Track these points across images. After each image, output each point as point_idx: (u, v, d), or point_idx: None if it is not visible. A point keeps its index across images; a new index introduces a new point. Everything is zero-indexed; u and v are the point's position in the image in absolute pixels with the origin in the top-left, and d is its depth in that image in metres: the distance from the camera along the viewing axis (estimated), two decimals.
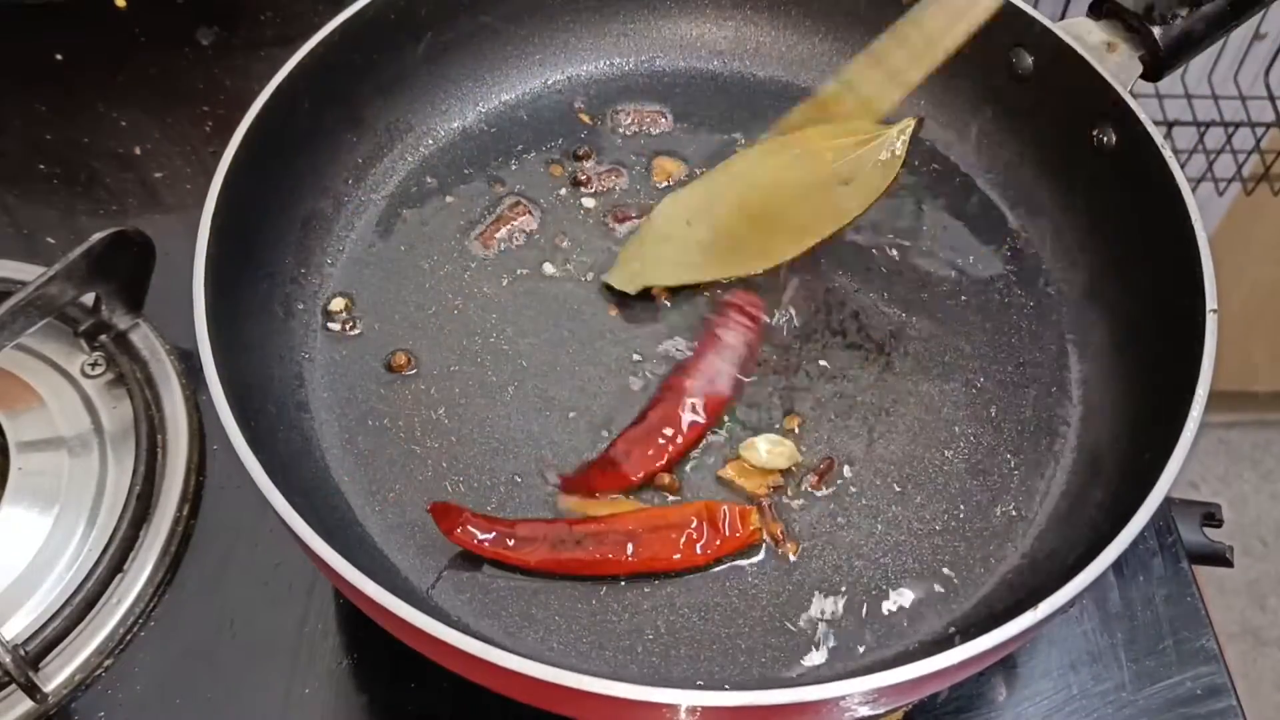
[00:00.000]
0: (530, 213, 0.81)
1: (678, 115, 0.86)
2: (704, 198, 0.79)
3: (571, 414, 0.72)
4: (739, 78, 0.88)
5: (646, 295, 0.76)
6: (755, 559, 0.67)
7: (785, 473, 0.69)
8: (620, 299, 0.77)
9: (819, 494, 0.69)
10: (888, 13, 0.85)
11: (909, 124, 0.80)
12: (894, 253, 0.79)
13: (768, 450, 0.69)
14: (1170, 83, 1.00)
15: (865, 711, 0.55)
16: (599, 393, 0.73)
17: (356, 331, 0.75)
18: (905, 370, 0.74)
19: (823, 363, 0.74)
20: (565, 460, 0.70)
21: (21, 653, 0.66)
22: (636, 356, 0.74)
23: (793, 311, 0.76)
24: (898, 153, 0.79)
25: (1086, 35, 0.76)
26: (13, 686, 0.66)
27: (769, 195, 0.78)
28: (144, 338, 0.81)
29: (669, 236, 0.77)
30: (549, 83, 0.87)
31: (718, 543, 0.65)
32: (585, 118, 0.85)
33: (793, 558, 0.66)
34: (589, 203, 0.82)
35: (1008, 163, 0.83)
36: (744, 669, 0.63)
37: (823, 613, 0.65)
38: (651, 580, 0.66)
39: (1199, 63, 1.30)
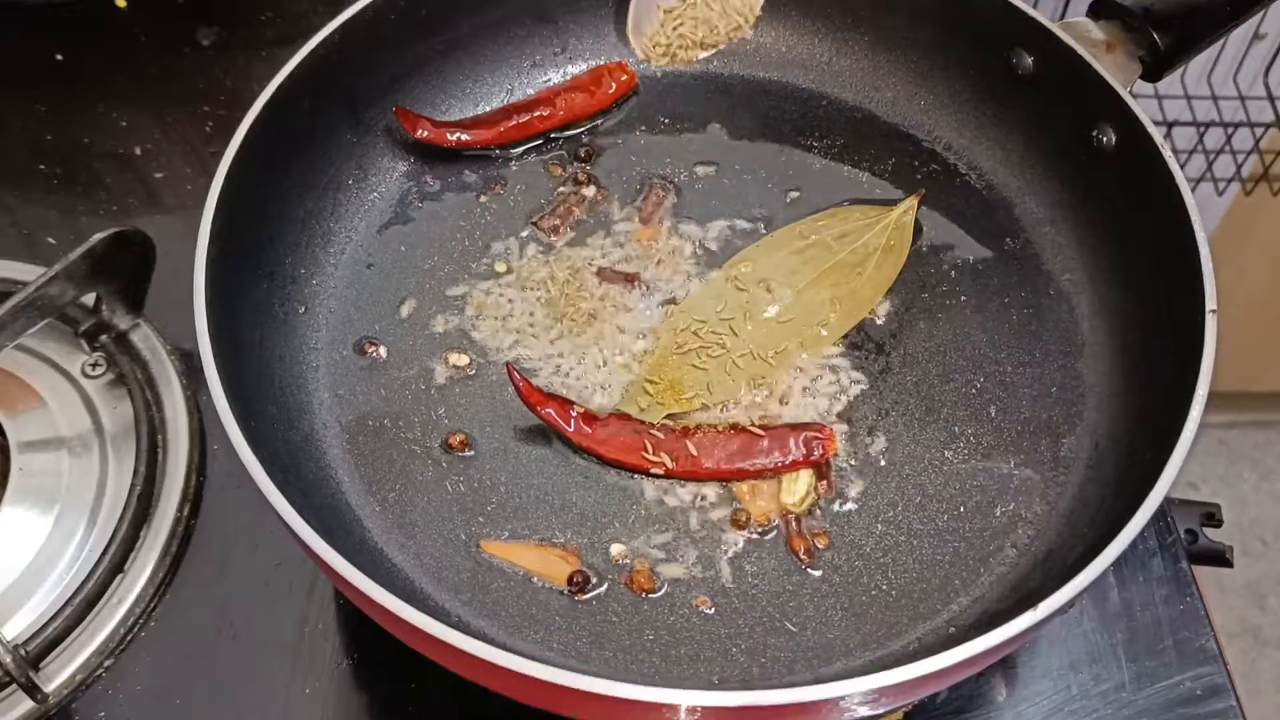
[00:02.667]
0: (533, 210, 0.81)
1: (675, 118, 0.86)
2: (715, 307, 0.75)
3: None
4: (739, 78, 0.88)
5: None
6: (755, 558, 0.67)
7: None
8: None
9: (819, 495, 0.69)
10: (887, 14, 0.85)
11: (912, 203, 0.79)
12: None
13: (804, 490, 0.69)
14: (1170, 83, 1.00)
15: (865, 711, 0.55)
16: (601, 387, 0.73)
17: (357, 331, 0.75)
18: (905, 370, 0.74)
19: (822, 363, 0.74)
20: (565, 459, 0.70)
21: (22, 653, 0.66)
22: (641, 348, 0.74)
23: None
24: (905, 233, 0.78)
25: (1086, 35, 0.76)
26: (13, 686, 0.66)
27: (784, 297, 0.76)
28: (144, 338, 0.81)
29: (685, 353, 0.73)
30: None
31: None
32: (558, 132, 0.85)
33: (806, 562, 0.66)
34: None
35: (1007, 162, 0.83)
36: (744, 669, 0.63)
37: (822, 612, 0.65)
38: (654, 579, 0.66)
39: (1198, 63, 1.30)
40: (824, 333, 0.75)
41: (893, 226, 0.78)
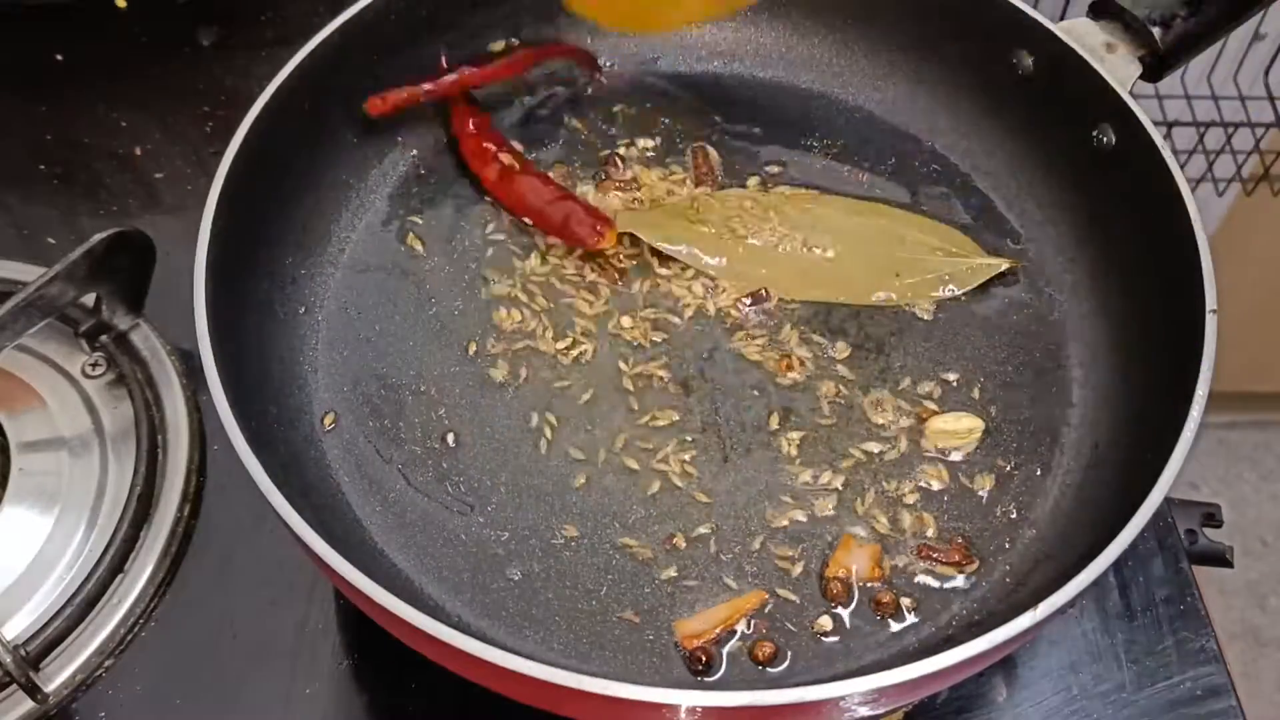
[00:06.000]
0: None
1: (676, 118, 0.86)
2: (769, 207, 0.78)
3: (574, 408, 0.72)
4: (739, 78, 0.88)
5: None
6: (755, 559, 0.67)
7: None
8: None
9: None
10: (887, 14, 0.85)
11: (1002, 265, 0.77)
12: None
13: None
14: (1170, 83, 1.00)
15: (865, 711, 0.55)
16: (601, 388, 0.73)
17: (357, 331, 0.75)
18: (905, 372, 0.74)
19: (823, 363, 0.74)
20: (566, 457, 0.70)
21: (22, 653, 0.66)
22: (640, 351, 0.74)
23: (792, 310, 0.76)
24: (964, 285, 0.77)
25: (1087, 36, 0.76)
26: (13, 687, 0.66)
27: (827, 242, 0.77)
28: (144, 338, 0.81)
29: (703, 220, 0.77)
30: (549, 83, 0.87)
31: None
32: (579, 123, 0.85)
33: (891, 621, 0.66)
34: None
35: (1008, 163, 0.82)
36: (745, 669, 0.63)
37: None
38: (652, 580, 0.66)
39: (1199, 63, 1.30)
40: (834, 290, 0.76)
41: (967, 269, 0.77)
